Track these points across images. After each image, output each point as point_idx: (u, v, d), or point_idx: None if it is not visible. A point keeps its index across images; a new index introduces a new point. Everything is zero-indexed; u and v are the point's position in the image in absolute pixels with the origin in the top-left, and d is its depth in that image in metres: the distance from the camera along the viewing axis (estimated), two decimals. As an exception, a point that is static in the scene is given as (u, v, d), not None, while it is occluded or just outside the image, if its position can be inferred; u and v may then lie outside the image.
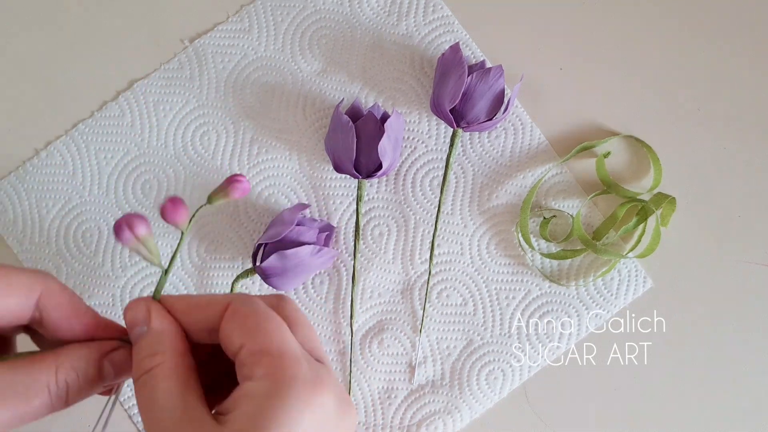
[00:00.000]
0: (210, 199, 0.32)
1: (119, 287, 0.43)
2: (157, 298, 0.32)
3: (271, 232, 0.40)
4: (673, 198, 0.42)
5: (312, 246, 0.39)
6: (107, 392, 0.32)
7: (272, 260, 0.38)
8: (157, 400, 0.28)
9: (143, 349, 0.29)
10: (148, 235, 0.28)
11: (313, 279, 0.43)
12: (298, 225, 0.40)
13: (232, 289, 0.42)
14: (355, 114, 0.42)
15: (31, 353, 0.29)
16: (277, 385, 0.27)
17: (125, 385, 0.42)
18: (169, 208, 0.28)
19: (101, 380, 0.29)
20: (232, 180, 0.31)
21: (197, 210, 0.31)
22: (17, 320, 0.30)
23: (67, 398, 0.29)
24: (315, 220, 0.42)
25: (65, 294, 0.31)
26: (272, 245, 0.39)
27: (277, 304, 0.31)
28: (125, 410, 0.42)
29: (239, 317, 0.30)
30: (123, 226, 0.27)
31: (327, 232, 0.42)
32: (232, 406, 0.27)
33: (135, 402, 0.42)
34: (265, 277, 0.39)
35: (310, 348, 0.30)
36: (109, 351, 0.30)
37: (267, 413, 0.26)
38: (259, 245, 0.40)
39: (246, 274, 0.41)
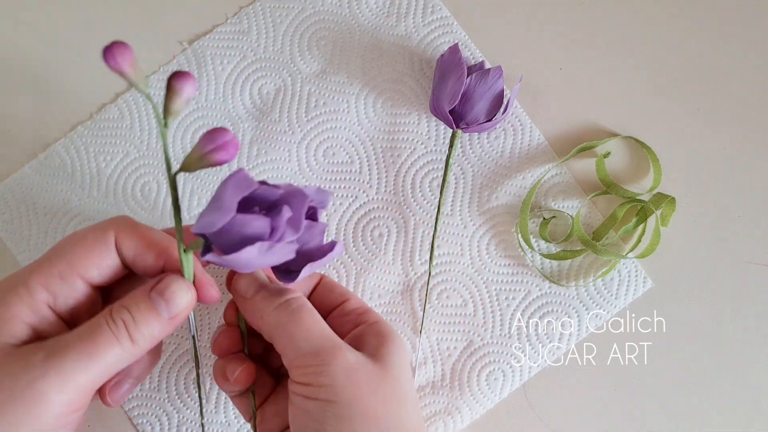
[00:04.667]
0: (186, 165, 0.29)
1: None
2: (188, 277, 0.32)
3: (207, 217, 0.28)
4: (673, 198, 0.42)
5: (258, 244, 0.27)
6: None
7: (212, 260, 0.29)
8: (310, 325, 0.32)
9: (281, 289, 0.34)
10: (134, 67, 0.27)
11: (313, 280, 0.43)
12: (240, 212, 0.28)
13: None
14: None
15: None
16: (388, 328, 0.35)
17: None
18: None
19: (155, 312, 0.31)
20: (215, 136, 0.28)
21: (175, 173, 0.29)
22: (111, 272, 0.33)
23: (130, 335, 0.30)
24: (276, 187, 0.29)
25: (136, 232, 0.33)
26: (212, 234, 0.28)
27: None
28: (125, 411, 0.42)
29: (333, 283, 0.38)
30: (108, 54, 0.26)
31: (290, 216, 0.28)
32: (356, 341, 0.34)
33: (136, 403, 0.42)
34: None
35: None
36: (154, 284, 0.31)
37: (393, 346, 0.34)
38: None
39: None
